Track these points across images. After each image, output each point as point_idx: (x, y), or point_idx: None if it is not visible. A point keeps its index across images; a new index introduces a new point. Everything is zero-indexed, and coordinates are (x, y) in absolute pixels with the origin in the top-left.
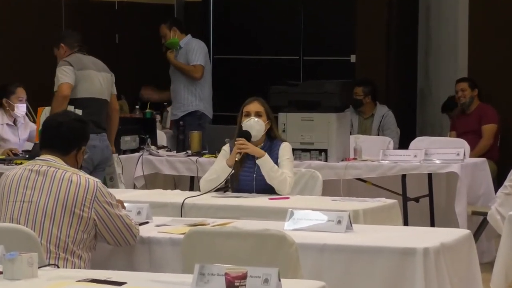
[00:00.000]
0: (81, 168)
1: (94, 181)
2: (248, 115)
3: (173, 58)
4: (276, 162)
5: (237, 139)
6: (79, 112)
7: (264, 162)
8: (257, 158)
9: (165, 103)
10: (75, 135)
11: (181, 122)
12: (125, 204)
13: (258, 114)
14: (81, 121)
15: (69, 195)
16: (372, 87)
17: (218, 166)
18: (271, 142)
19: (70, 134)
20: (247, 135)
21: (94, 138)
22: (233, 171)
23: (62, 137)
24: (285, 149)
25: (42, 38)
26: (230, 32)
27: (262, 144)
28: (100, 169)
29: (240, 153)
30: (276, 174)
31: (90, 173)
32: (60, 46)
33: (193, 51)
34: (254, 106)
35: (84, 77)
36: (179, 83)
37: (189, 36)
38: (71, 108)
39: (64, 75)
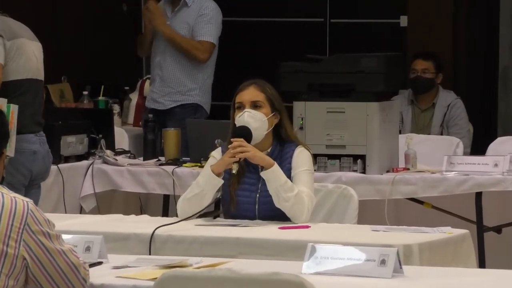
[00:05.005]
0: (2, 181)
1: (24, 201)
2: (241, 107)
3: (166, 25)
4: (288, 176)
5: (231, 139)
6: (4, 101)
7: (273, 175)
8: (262, 168)
9: (127, 87)
10: None
11: (150, 116)
12: (69, 237)
13: (255, 105)
14: None
15: None
16: (439, 63)
17: (203, 178)
18: (281, 146)
19: None
20: (246, 133)
21: (33, 140)
22: (222, 182)
23: None
24: (301, 155)
25: None
26: None
27: (268, 150)
28: (35, 185)
29: (237, 161)
30: (288, 194)
31: (25, 191)
32: None
33: (207, 20)
34: (249, 93)
35: (18, 49)
36: (173, 59)
37: None
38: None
39: None
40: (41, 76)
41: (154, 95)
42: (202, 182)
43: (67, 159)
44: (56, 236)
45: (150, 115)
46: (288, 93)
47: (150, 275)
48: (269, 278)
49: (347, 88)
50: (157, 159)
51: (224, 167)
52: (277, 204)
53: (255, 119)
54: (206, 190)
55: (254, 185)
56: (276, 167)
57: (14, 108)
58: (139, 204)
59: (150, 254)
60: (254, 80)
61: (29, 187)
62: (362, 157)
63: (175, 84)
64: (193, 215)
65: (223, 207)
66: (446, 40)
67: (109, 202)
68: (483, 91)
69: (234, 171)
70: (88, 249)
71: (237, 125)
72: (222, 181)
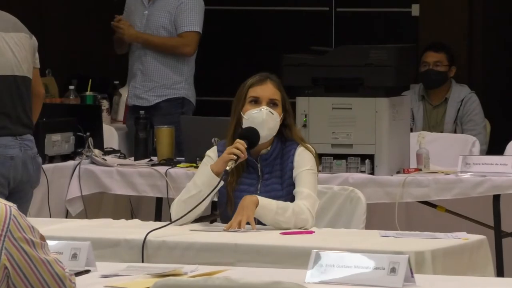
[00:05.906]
0: None
1: (6, 206)
2: (257, 102)
3: (138, 35)
4: (290, 176)
5: (237, 140)
6: None
7: (264, 211)
8: (263, 170)
9: (116, 82)
10: None
11: (141, 112)
12: (54, 243)
13: (273, 103)
14: None
15: None
16: (452, 55)
17: (200, 178)
18: (283, 144)
19: None
20: (253, 136)
21: (11, 144)
22: (222, 182)
23: None
24: (303, 154)
25: None
26: None
27: (268, 148)
28: (18, 195)
29: (235, 159)
30: (286, 215)
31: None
32: None
33: (189, 8)
34: (268, 89)
35: None
36: (154, 51)
37: None
38: None
39: None
40: (20, 71)
41: (137, 91)
42: (200, 182)
43: (51, 159)
44: (40, 245)
45: (142, 112)
46: (291, 88)
47: (141, 284)
48: (270, 287)
49: (355, 83)
50: (149, 159)
51: (222, 164)
52: (279, 228)
53: (272, 118)
54: (205, 191)
55: (253, 186)
56: (261, 201)
57: None
58: (130, 207)
59: (142, 262)
60: (267, 74)
61: (11, 196)
62: (371, 157)
63: (159, 77)
64: (186, 213)
65: (220, 209)
66: (461, 30)
67: (97, 205)
68: (502, 85)
69: (228, 168)
70: (74, 256)
71: (249, 120)
72: (223, 183)
